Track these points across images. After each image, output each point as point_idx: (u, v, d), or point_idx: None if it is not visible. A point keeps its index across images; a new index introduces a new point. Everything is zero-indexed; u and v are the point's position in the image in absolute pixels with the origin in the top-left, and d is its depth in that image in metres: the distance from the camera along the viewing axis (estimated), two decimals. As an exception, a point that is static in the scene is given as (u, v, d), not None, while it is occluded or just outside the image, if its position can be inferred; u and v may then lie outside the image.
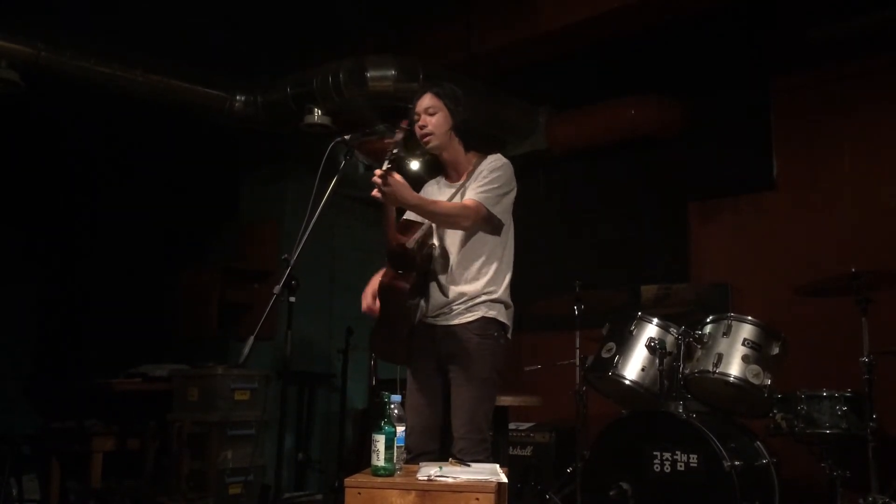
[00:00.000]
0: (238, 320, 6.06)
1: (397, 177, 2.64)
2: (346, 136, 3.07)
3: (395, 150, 2.62)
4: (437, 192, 3.05)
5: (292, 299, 3.68)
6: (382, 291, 2.85)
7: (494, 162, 2.94)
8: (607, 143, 5.67)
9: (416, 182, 3.24)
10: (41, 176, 6.40)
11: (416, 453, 2.84)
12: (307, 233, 2.87)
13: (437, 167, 3.16)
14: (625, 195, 5.78)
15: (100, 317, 6.42)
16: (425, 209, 2.79)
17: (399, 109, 5.09)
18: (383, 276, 2.85)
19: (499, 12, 4.99)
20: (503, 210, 2.91)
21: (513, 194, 2.94)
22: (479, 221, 2.85)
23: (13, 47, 4.43)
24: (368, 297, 2.93)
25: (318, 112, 5.08)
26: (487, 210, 2.83)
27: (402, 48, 5.09)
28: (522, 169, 6.03)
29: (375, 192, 2.65)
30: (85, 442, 4.66)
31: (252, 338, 2.78)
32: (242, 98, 5.35)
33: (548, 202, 6.09)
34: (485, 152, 3.04)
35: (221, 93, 5.30)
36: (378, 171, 2.60)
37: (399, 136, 2.65)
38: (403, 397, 2.71)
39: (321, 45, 5.37)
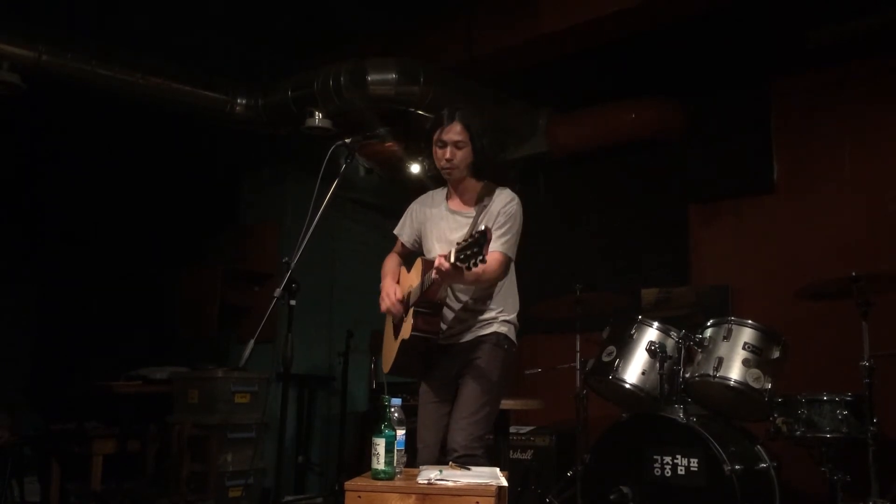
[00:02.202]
0: (238, 322, 6.06)
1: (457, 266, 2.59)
2: (346, 139, 3.10)
3: (464, 247, 2.50)
4: (440, 217, 3.05)
5: (293, 302, 3.68)
6: (416, 340, 2.86)
7: (509, 205, 2.95)
8: (607, 146, 5.67)
9: (419, 191, 3.25)
10: (42, 178, 6.40)
11: (431, 463, 2.90)
12: (308, 235, 2.89)
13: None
14: (625, 198, 5.78)
15: (100, 319, 6.41)
16: (479, 282, 2.86)
17: (400, 112, 5.13)
18: (416, 324, 2.85)
19: (499, 14, 4.99)
20: (516, 249, 2.98)
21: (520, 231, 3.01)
22: (507, 270, 2.95)
23: (14, 50, 4.43)
24: (396, 302, 2.95)
25: (318, 115, 5.08)
26: (511, 258, 2.93)
27: (403, 50, 5.09)
28: (523, 171, 6.11)
29: (435, 276, 2.67)
30: (85, 444, 4.65)
31: (252, 340, 2.80)
32: (243, 101, 5.35)
33: (548, 205, 6.09)
34: (492, 180, 3.06)
35: (222, 95, 5.30)
36: (446, 263, 2.58)
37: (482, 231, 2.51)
38: (404, 401, 2.72)
39: (322, 48, 5.37)
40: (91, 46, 4.73)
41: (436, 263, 2.64)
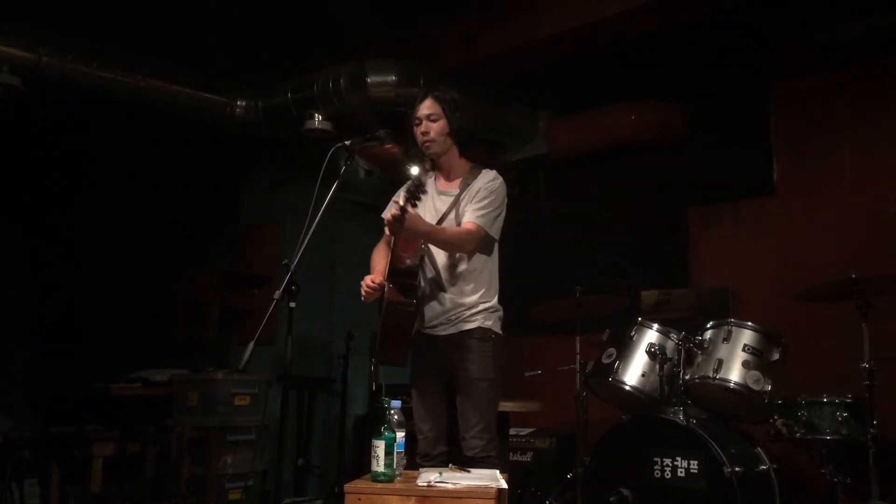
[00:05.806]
0: (238, 325, 6.05)
1: (412, 210, 2.69)
2: (346, 142, 3.11)
3: (416, 185, 2.63)
4: (427, 197, 3.06)
5: (292, 304, 3.68)
6: (390, 311, 2.86)
7: (492, 182, 2.99)
8: (608, 148, 5.66)
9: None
10: (42, 180, 6.41)
11: (431, 457, 2.96)
12: (308, 238, 2.89)
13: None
14: (625, 200, 5.77)
15: (100, 321, 6.42)
16: (435, 238, 2.88)
17: (399, 114, 5.12)
18: (389, 294, 2.87)
19: (499, 16, 4.99)
20: (497, 229, 3.00)
21: (504, 213, 3.03)
22: (480, 243, 2.95)
23: (14, 52, 4.44)
24: (372, 285, 2.95)
25: (318, 117, 5.09)
26: (486, 232, 2.94)
27: (403, 52, 5.09)
28: (523, 173, 6.12)
29: (389, 224, 2.71)
30: (85, 447, 4.65)
31: (252, 342, 2.79)
32: (243, 103, 5.36)
33: (548, 206, 6.09)
34: (479, 162, 3.10)
35: (222, 97, 5.31)
36: (397, 204, 2.66)
37: (420, 172, 2.71)
38: (403, 402, 2.73)
39: (322, 50, 5.37)
40: (91, 49, 4.73)
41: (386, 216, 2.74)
